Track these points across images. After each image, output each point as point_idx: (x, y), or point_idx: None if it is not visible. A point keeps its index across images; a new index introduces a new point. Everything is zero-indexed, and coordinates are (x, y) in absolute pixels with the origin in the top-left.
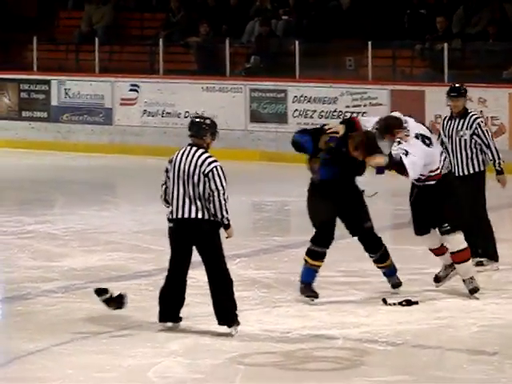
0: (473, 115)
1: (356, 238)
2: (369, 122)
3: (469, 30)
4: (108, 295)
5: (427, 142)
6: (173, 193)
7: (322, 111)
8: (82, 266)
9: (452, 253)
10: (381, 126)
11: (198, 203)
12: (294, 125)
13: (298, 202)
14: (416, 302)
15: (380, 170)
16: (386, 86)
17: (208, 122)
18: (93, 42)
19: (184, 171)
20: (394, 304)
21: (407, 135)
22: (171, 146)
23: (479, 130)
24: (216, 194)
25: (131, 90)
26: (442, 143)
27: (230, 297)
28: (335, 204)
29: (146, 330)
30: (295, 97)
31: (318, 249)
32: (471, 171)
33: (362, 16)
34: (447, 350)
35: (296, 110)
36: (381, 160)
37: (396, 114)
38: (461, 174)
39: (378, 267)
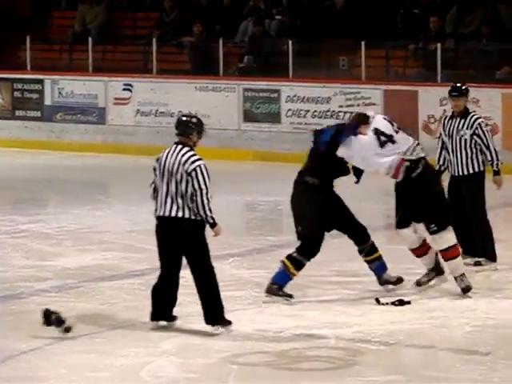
0: (474, 115)
1: (347, 238)
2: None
3: (462, 30)
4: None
5: (382, 139)
6: (158, 191)
7: (316, 111)
8: (75, 266)
9: (441, 250)
10: (352, 122)
11: (180, 202)
12: (287, 124)
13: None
14: (409, 302)
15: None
16: (379, 85)
17: (194, 120)
18: (86, 42)
19: (168, 169)
20: (387, 304)
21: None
22: (164, 146)
23: (479, 130)
24: (199, 193)
25: (124, 90)
26: (443, 143)
27: (215, 296)
28: (330, 206)
29: (139, 330)
30: (288, 96)
31: (304, 261)
32: (471, 171)
33: (355, 16)
34: (440, 349)
35: (289, 109)
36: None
37: (369, 112)
38: (460, 173)
39: (368, 261)
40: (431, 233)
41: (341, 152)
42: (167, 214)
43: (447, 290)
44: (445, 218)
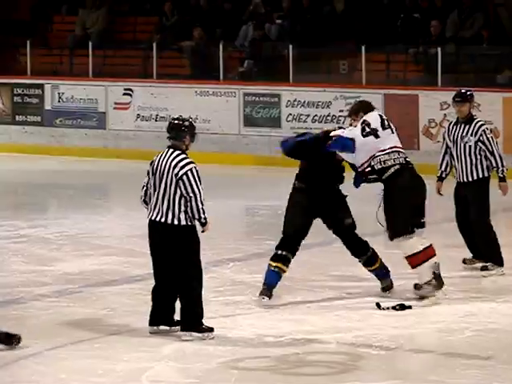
0: (478, 121)
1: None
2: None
3: (462, 34)
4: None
5: (367, 130)
6: (150, 194)
7: (316, 115)
8: (75, 271)
9: (405, 257)
10: (353, 107)
11: (164, 206)
12: (287, 129)
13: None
14: (409, 307)
15: (358, 183)
16: (379, 90)
17: (187, 124)
18: (86, 47)
19: (159, 173)
20: (388, 308)
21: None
22: None
23: (484, 136)
24: (193, 198)
25: (125, 95)
26: (447, 148)
27: (193, 303)
28: (315, 209)
29: (140, 335)
30: (289, 101)
31: (279, 251)
32: (475, 177)
33: (355, 20)
34: (441, 354)
35: (290, 114)
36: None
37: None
38: (465, 179)
39: (369, 270)
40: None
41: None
42: (153, 217)
43: (448, 295)
44: (394, 227)
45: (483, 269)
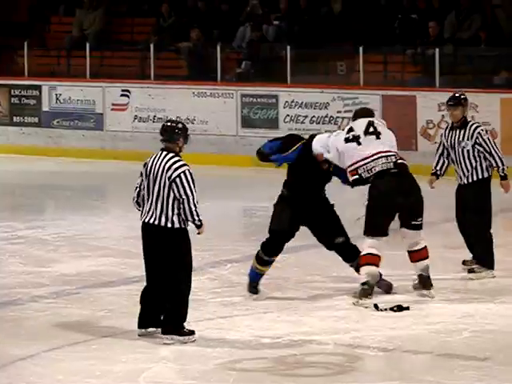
0: (473, 124)
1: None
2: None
3: (460, 35)
4: None
5: (350, 137)
6: (143, 196)
7: (314, 116)
8: (72, 272)
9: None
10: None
11: (158, 209)
12: (285, 130)
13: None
14: (407, 308)
15: (344, 181)
16: (377, 91)
17: (180, 126)
18: (84, 48)
19: (152, 175)
20: (385, 309)
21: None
22: None
23: (480, 138)
24: (186, 200)
25: (122, 96)
26: (444, 149)
27: (179, 306)
28: (303, 217)
29: (137, 336)
30: (286, 102)
31: (265, 257)
32: (475, 179)
33: (353, 21)
34: (438, 355)
35: (287, 115)
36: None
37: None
38: (465, 182)
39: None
40: None
41: (315, 145)
42: (149, 220)
43: (445, 296)
44: (366, 226)
45: (470, 271)
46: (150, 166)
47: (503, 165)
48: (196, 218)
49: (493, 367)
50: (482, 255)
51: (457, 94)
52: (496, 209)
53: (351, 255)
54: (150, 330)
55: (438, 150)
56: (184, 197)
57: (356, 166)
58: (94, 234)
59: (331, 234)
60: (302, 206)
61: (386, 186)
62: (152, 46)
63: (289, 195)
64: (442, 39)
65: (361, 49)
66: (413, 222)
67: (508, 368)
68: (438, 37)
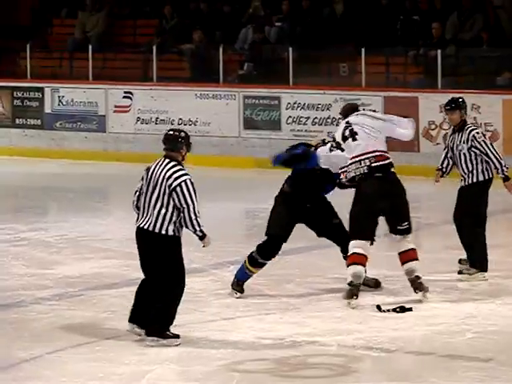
0: (469, 127)
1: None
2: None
3: (462, 36)
4: None
5: (333, 145)
6: (140, 203)
7: (316, 118)
8: (75, 274)
9: None
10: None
11: (154, 216)
12: (287, 132)
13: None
14: (410, 309)
15: (341, 186)
16: (379, 92)
17: (183, 134)
18: (86, 50)
19: (152, 181)
20: (388, 311)
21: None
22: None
23: (475, 141)
24: (186, 210)
25: (125, 98)
26: (448, 151)
27: (166, 310)
28: (299, 215)
29: (140, 338)
30: (289, 103)
31: (259, 259)
32: (474, 180)
33: (355, 23)
34: (441, 356)
35: (290, 116)
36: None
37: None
38: (464, 184)
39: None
40: None
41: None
42: (143, 225)
43: (448, 297)
44: (350, 230)
45: (459, 273)
46: (151, 171)
47: (502, 166)
48: (197, 228)
49: (496, 368)
50: (475, 257)
51: (454, 98)
52: (497, 209)
53: (347, 240)
54: (137, 330)
55: (444, 149)
56: (184, 206)
57: (343, 169)
58: (97, 235)
59: (327, 217)
60: (300, 204)
61: (369, 189)
62: (154, 47)
63: (289, 191)
64: (443, 40)
65: (363, 50)
66: (398, 227)
67: (511, 369)
68: (439, 38)
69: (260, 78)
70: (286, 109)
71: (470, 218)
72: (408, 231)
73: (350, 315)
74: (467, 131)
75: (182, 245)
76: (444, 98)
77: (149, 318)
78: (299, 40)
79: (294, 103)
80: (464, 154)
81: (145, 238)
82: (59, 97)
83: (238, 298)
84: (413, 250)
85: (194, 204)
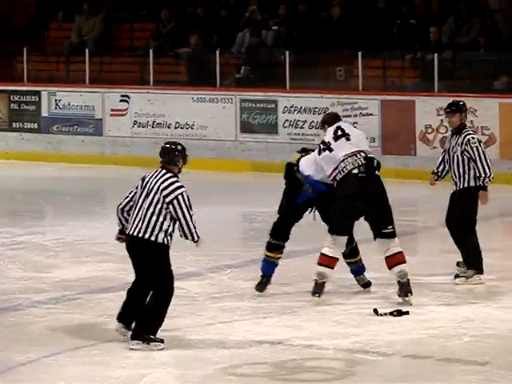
0: (466, 131)
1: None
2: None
3: (459, 40)
4: None
5: (321, 147)
6: (133, 212)
7: (313, 121)
8: (72, 277)
9: None
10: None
11: (145, 223)
12: (284, 135)
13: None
14: (407, 312)
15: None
16: (376, 96)
17: (179, 148)
18: (83, 53)
19: (147, 190)
20: (385, 314)
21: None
22: None
23: (468, 146)
24: (184, 222)
25: (121, 101)
26: (444, 155)
27: (152, 316)
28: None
29: (124, 338)
30: (285, 107)
31: (273, 241)
32: (465, 185)
33: (352, 27)
34: (438, 359)
35: (286, 120)
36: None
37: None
38: (455, 188)
39: (347, 262)
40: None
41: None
42: (133, 233)
43: (445, 301)
44: (330, 225)
45: (456, 277)
46: (146, 180)
47: (486, 176)
48: (195, 238)
49: (493, 372)
50: (470, 259)
51: (454, 101)
52: (494, 213)
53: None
54: (123, 330)
55: (442, 153)
56: (182, 218)
57: (333, 174)
58: (94, 239)
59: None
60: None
61: (349, 189)
62: (151, 51)
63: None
64: (440, 44)
65: (360, 54)
66: (383, 231)
67: (508, 373)
68: (437, 42)
69: (257, 82)
70: (283, 112)
71: (461, 221)
72: (393, 235)
73: (347, 319)
74: (463, 135)
75: (179, 249)
76: (441, 102)
77: (136, 322)
78: (296, 44)
79: (291, 107)
80: (457, 156)
81: (135, 244)
82: (56, 100)
83: (257, 296)
84: (400, 253)
85: (191, 216)
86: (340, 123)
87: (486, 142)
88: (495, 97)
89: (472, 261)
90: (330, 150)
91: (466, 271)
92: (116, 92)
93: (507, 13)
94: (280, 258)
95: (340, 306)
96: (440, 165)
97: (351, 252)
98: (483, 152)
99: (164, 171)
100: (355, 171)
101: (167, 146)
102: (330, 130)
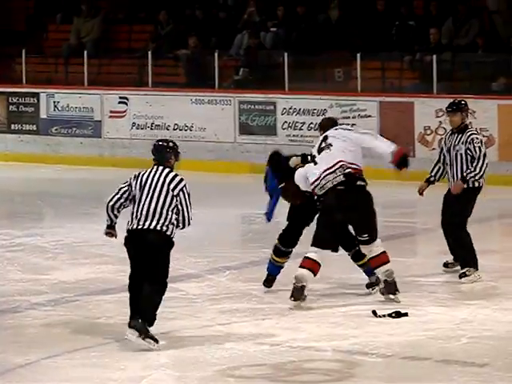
0: (469, 130)
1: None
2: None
3: (458, 42)
4: None
5: (309, 159)
6: (135, 208)
7: (312, 123)
8: (71, 279)
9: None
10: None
11: (156, 216)
12: (283, 137)
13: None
14: (406, 314)
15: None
16: (375, 97)
17: (171, 145)
18: (81, 55)
19: (150, 186)
20: (384, 316)
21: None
22: None
23: (472, 144)
24: (186, 212)
25: (120, 103)
26: (440, 157)
27: (154, 309)
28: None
29: (136, 343)
30: (284, 109)
31: (282, 248)
32: (465, 186)
33: (350, 28)
34: (437, 361)
35: (285, 122)
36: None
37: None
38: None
39: (358, 265)
40: None
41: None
42: (142, 226)
43: (443, 303)
44: (313, 237)
45: (462, 276)
46: (145, 179)
47: (476, 174)
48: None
49: (491, 373)
50: (468, 258)
51: (456, 101)
52: (492, 215)
53: (351, 243)
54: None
55: (438, 157)
56: (185, 209)
57: (313, 185)
58: (93, 241)
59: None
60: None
61: (328, 202)
62: (150, 53)
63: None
64: (439, 45)
65: (358, 55)
66: (360, 238)
67: (506, 374)
68: (435, 43)
69: (255, 84)
70: (282, 114)
71: (459, 219)
72: (370, 242)
73: (346, 320)
74: (468, 133)
75: (178, 251)
76: (440, 103)
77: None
78: (294, 45)
79: (290, 108)
80: (461, 154)
81: (142, 237)
82: (54, 102)
83: (265, 292)
84: (384, 253)
85: (191, 206)
86: (329, 132)
87: (485, 144)
88: (494, 98)
89: (470, 258)
90: (315, 163)
91: (470, 270)
92: (115, 94)
93: (505, 14)
94: (286, 261)
95: (339, 308)
96: (434, 168)
97: (355, 256)
98: (485, 154)
99: (162, 167)
100: (333, 185)
101: (159, 143)
102: (319, 140)
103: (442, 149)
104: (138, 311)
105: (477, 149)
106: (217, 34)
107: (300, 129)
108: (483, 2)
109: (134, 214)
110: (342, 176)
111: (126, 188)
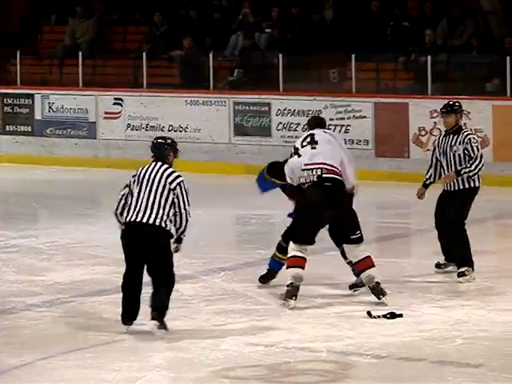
0: (465, 131)
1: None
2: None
3: (452, 43)
4: None
5: (292, 151)
6: (132, 200)
7: (306, 124)
8: (66, 280)
9: None
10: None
11: (154, 211)
12: (277, 138)
13: (283, 215)
14: (400, 315)
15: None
16: (369, 98)
17: (169, 141)
18: (76, 56)
19: (146, 181)
20: (379, 317)
21: None
22: None
23: (469, 144)
24: (184, 210)
25: (115, 104)
26: (433, 160)
27: (167, 299)
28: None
29: (130, 344)
30: (279, 110)
31: (283, 244)
32: (461, 187)
33: (345, 29)
34: (431, 362)
35: (280, 123)
36: None
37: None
38: (452, 189)
39: (348, 263)
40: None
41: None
42: (141, 220)
43: (438, 303)
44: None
45: (460, 275)
46: (143, 173)
47: (470, 171)
48: (184, 233)
49: (486, 374)
50: (465, 257)
51: (450, 102)
52: (488, 216)
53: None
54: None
55: (431, 160)
56: (182, 206)
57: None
58: (88, 242)
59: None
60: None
61: (314, 198)
62: (144, 54)
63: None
64: (434, 46)
65: (353, 56)
66: (352, 236)
67: (501, 374)
68: (430, 44)
69: (250, 85)
70: (277, 115)
71: (458, 219)
72: (359, 240)
73: (341, 321)
74: (464, 134)
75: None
76: (434, 104)
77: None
78: (289, 46)
79: (284, 109)
80: (459, 155)
81: (139, 230)
82: (49, 103)
83: (259, 286)
84: (368, 257)
85: (189, 203)
86: (315, 131)
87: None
88: (488, 99)
89: (468, 258)
90: (298, 156)
91: (469, 269)
92: (109, 95)
93: (500, 15)
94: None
95: (333, 309)
96: (429, 171)
97: (344, 253)
98: (481, 155)
99: (160, 163)
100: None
101: (157, 140)
102: (302, 136)
103: (434, 151)
104: (132, 311)
105: (475, 148)
106: (211, 35)
107: (295, 130)
108: (478, 3)
109: (132, 207)
110: (315, 177)
111: (127, 190)
